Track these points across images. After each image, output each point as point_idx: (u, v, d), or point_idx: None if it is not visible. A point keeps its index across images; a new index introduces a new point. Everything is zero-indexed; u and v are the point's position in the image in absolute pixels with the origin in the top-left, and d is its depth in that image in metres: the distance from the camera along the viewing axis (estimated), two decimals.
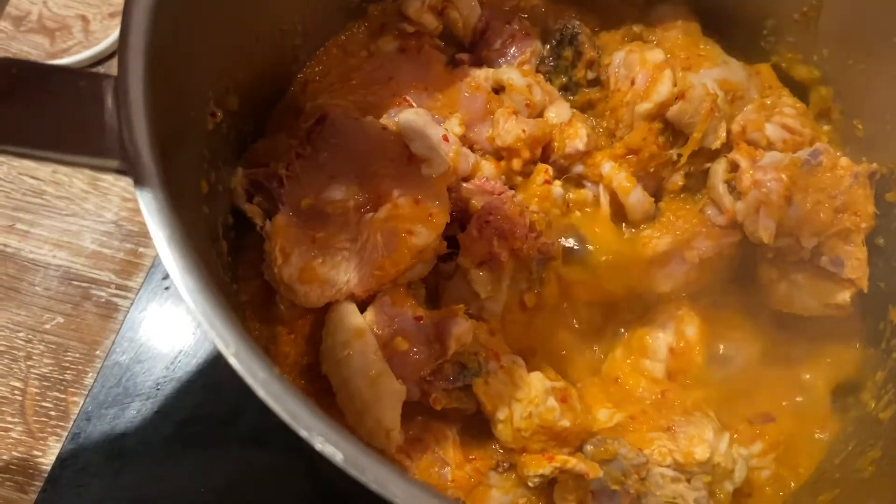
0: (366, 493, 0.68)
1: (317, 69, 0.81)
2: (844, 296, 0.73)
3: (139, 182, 0.43)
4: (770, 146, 0.77)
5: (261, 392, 0.39)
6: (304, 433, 0.38)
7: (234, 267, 0.70)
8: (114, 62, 1.01)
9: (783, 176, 0.73)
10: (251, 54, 0.69)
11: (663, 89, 0.75)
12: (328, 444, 0.38)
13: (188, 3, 0.54)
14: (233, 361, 0.39)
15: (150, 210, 0.42)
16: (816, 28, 0.77)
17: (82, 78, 0.45)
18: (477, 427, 0.69)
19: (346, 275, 0.67)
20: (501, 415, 0.65)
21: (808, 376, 0.75)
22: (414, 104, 0.76)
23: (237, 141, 0.71)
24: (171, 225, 0.42)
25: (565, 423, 0.65)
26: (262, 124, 0.77)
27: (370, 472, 0.38)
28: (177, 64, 0.52)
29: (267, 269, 0.68)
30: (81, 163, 0.44)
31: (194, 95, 0.58)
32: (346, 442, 0.38)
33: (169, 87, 0.50)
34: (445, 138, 0.73)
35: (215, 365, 0.84)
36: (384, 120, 0.73)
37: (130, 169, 0.44)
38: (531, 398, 0.65)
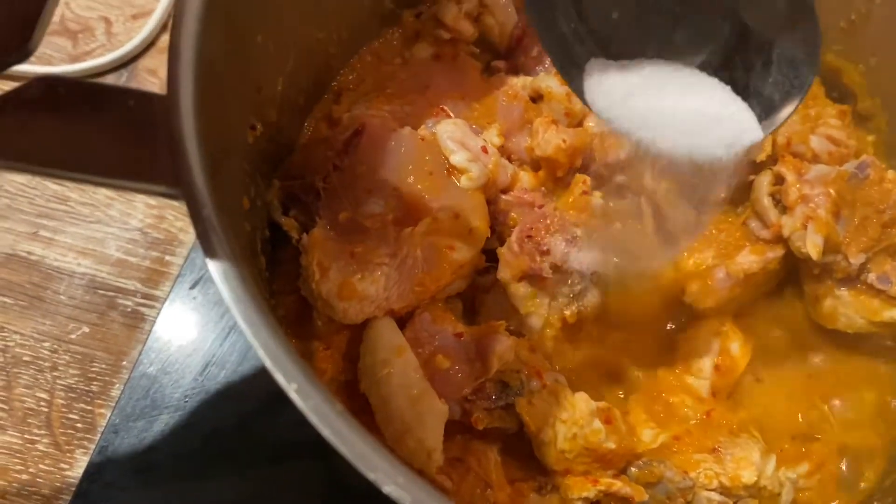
0: None
1: (350, 77, 0.79)
2: (892, 314, 0.71)
3: (192, 206, 0.41)
4: (815, 158, 0.76)
5: (326, 432, 0.37)
6: (371, 476, 0.36)
7: (271, 281, 0.69)
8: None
9: (831, 191, 0.71)
10: (288, 64, 0.67)
11: None
12: (397, 487, 0.36)
13: (233, 18, 0.52)
14: (295, 398, 0.38)
15: (205, 238, 0.40)
16: (864, 36, 0.75)
17: (132, 97, 0.44)
18: (518, 447, 0.67)
19: (385, 291, 0.66)
20: (545, 436, 0.64)
21: (854, 394, 0.74)
22: (451, 114, 0.74)
23: (274, 153, 0.69)
24: (227, 252, 0.40)
25: (610, 444, 0.64)
26: (296, 135, 0.75)
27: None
28: (223, 79, 0.50)
29: (304, 283, 0.67)
30: (130, 187, 0.43)
31: (237, 110, 0.56)
32: (413, 484, 0.37)
33: (216, 104, 0.49)
34: (484, 150, 0.71)
35: (244, 377, 0.82)
36: (422, 131, 0.71)
37: (181, 193, 0.42)
38: (576, 419, 0.63)
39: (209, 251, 0.40)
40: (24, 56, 0.44)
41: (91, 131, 0.43)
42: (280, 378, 0.38)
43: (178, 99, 0.44)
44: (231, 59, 0.52)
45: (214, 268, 0.39)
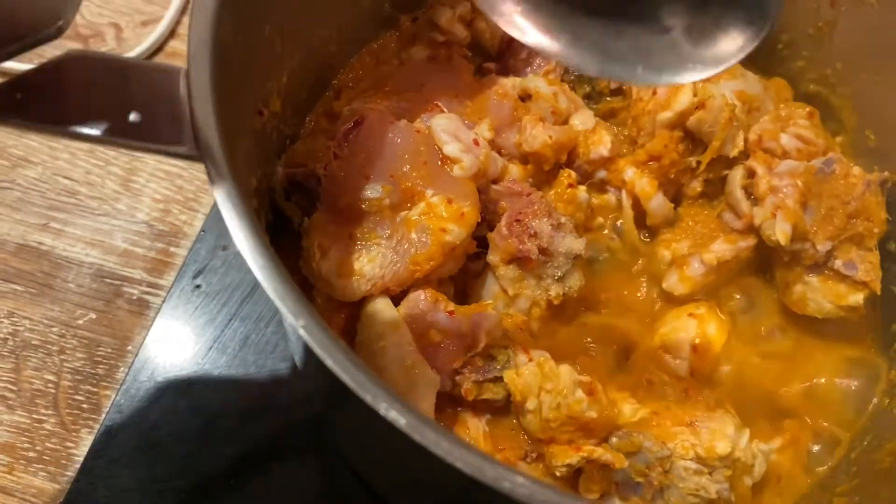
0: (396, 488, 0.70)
1: (350, 76, 0.84)
2: (858, 297, 0.76)
3: (211, 166, 0.46)
4: (785, 155, 0.80)
5: (329, 362, 0.41)
6: (369, 399, 0.40)
7: None
8: None
9: (799, 182, 0.76)
10: (293, 59, 0.72)
11: (684, 99, 0.79)
12: (392, 409, 0.40)
13: (243, 8, 0.57)
14: (302, 333, 0.42)
15: (221, 191, 0.45)
16: (831, 42, 0.81)
17: (157, 71, 0.48)
18: (505, 418, 0.71)
19: (381, 270, 0.70)
20: (531, 405, 0.68)
21: (824, 377, 0.78)
22: (445, 110, 0.79)
23: (278, 142, 0.74)
24: (241, 205, 0.45)
25: (592, 414, 0.68)
26: (298, 128, 0.80)
27: (430, 435, 0.40)
28: (234, 62, 0.55)
29: (305, 264, 0.71)
30: (158, 150, 0.47)
31: (246, 94, 0.61)
32: (407, 410, 0.41)
33: (228, 83, 0.53)
34: (476, 142, 0.76)
35: (245, 361, 0.86)
36: (417, 124, 0.76)
37: (201, 155, 0.46)
38: (560, 389, 0.67)
39: (224, 200, 0.44)
40: (58, 33, 0.49)
41: (120, 99, 0.48)
42: (288, 315, 0.42)
43: (197, 73, 0.49)
44: (241, 46, 0.57)
45: (227, 213, 0.43)
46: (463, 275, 0.77)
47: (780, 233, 0.74)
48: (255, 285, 0.90)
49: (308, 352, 0.52)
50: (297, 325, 0.42)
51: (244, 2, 0.56)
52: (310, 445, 0.82)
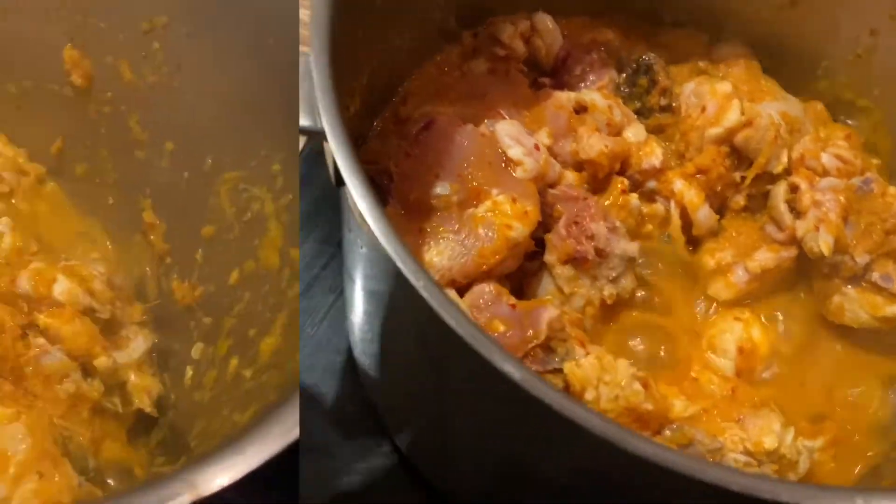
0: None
1: (415, 84, 0.88)
2: (893, 309, 0.80)
3: (334, 141, 0.50)
4: (825, 173, 0.85)
5: (452, 323, 0.45)
6: (486, 354, 0.44)
7: None
8: None
9: (840, 197, 0.81)
10: (372, 63, 0.77)
11: (732, 116, 0.84)
12: (510, 365, 0.44)
13: (347, 13, 0.62)
14: (425, 295, 0.45)
15: (345, 161, 0.49)
16: (869, 69, 0.86)
17: None
18: None
19: (449, 262, 0.74)
20: (590, 395, 0.71)
21: (860, 384, 0.81)
22: (507, 117, 0.84)
23: (353, 139, 0.78)
24: (361, 175, 0.49)
25: (648, 405, 0.71)
26: (366, 129, 0.84)
27: (543, 391, 0.44)
28: (340, 56, 0.59)
29: None
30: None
31: (345, 86, 0.65)
32: (522, 367, 0.44)
33: (335, 73, 0.57)
34: (536, 147, 0.80)
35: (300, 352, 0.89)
36: (482, 128, 0.80)
37: (323, 130, 0.51)
38: (618, 381, 0.71)
39: (348, 170, 0.48)
40: None
41: None
42: (410, 276, 0.46)
43: (318, 60, 0.53)
44: (344, 43, 0.62)
45: (352, 183, 0.47)
46: (520, 274, 0.81)
47: (823, 244, 0.79)
48: (311, 282, 0.93)
49: (404, 322, 0.56)
50: (418, 286, 0.45)
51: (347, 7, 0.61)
52: (363, 436, 0.85)
